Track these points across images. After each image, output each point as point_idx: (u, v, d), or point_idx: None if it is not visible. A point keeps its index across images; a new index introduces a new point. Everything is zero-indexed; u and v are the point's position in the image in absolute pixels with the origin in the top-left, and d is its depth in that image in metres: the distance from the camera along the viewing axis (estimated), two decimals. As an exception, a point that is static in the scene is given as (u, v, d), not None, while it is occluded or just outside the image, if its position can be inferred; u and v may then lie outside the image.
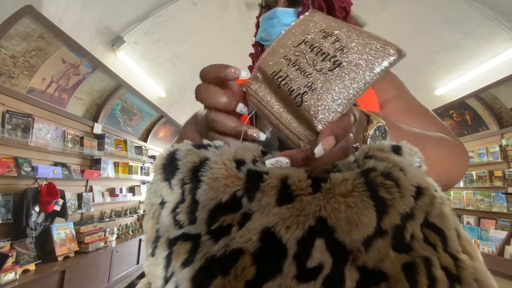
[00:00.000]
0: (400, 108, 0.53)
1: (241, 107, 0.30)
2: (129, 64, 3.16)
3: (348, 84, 0.24)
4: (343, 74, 0.25)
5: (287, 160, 0.25)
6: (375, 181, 0.22)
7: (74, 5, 2.26)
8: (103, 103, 3.15)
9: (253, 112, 0.31)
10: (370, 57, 0.25)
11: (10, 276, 1.82)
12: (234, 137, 0.30)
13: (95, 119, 3.12)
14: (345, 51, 0.26)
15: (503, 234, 3.28)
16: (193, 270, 0.20)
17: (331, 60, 0.26)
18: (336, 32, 0.28)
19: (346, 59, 0.25)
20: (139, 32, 2.92)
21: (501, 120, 3.52)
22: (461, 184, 4.11)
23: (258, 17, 0.66)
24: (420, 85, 3.78)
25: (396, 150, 0.27)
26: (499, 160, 3.52)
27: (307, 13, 0.31)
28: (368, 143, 0.30)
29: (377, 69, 0.24)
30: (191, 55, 3.53)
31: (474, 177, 3.88)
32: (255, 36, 0.67)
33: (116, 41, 2.81)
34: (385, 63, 0.24)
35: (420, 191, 0.23)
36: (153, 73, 3.58)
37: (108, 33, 2.72)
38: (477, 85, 3.38)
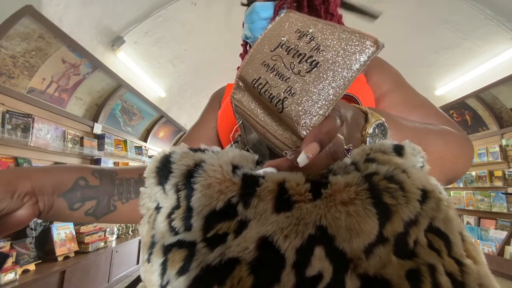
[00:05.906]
0: (398, 101, 0.50)
1: None
2: (129, 64, 3.15)
3: (327, 84, 0.23)
4: (321, 75, 0.23)
5: (274, 171, 0.24)
6: (379, 186, 0.21)
7: (74, 5, 2.26)
8: (103, 103, 3.14)
9: (241, 122, 0.30)
10: (347, 53, 0.23)
11: (10, 276, 1.82)
12: None
13: (95, 119, 3.12)
14: (321, 49, 0.24)
15: (503, 234, 3.28)
16: (189, 279, 0.20)
17: (308, 61, 0.24)
18: (311, 30, 0.26)
19: (322, 58, 0.24)
20: (139, 32, 2.91)
21: (501, 120, 3.52)
22: (461, 184, 4.11)
23: None
24: (420, 85, 3.77)
25: (398, 150, 0.26)
26: (499, 160, 3.52)
27: (282, 14, 0.29)
28: (367, 142, 0.29)
29: (356, 65, 0.23)
30: (191, 55, 3.53)
31: (474, 177, 3.88)
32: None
33: (116, 41, 2.81)
34: (364, 57, 0.23)
35: (425, 195, 0.22)
36: (153, 73, 3.57)
37: (108, 33, 2.72)
38: (477, 85, 3.38)
